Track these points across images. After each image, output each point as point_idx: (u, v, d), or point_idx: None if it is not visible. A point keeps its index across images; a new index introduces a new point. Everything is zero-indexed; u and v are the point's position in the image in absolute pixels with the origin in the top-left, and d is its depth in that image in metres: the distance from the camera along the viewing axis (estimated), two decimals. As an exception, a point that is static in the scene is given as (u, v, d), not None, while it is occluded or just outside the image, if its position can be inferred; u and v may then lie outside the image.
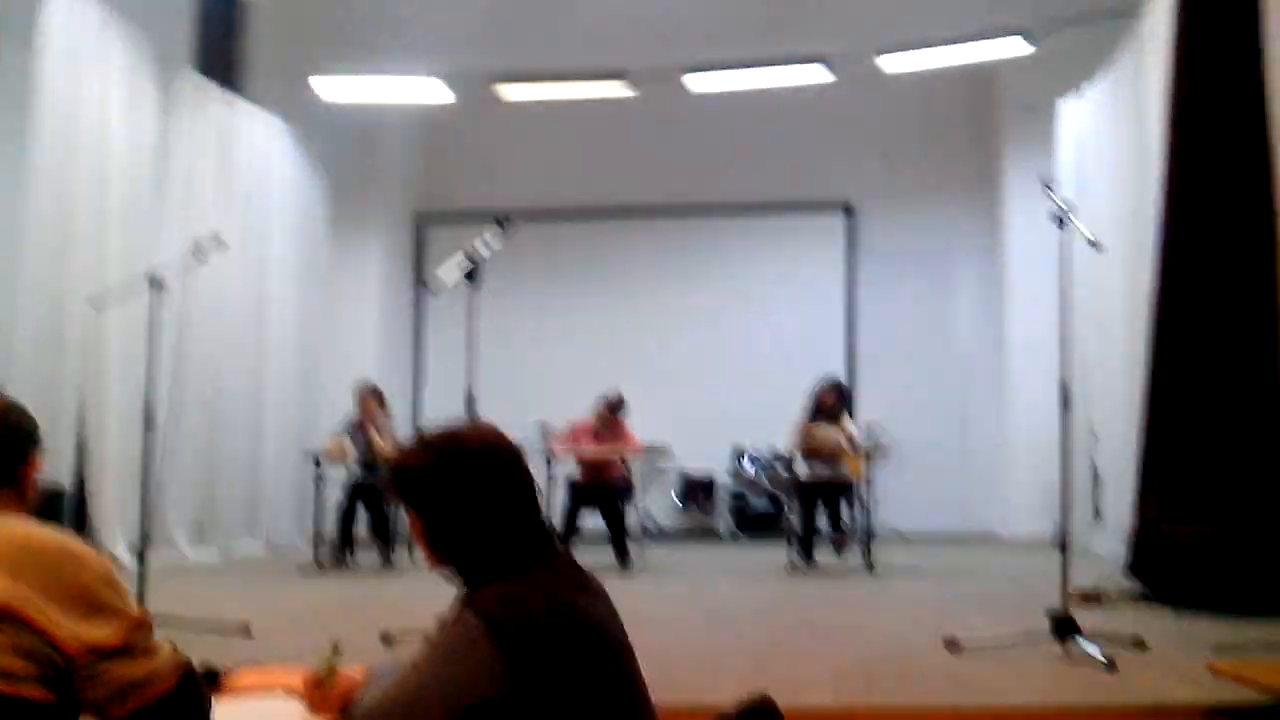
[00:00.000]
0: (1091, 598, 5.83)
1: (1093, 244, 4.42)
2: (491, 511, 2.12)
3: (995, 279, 12.70)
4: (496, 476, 2.14)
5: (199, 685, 2.11)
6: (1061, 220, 4.50)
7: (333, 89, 11.61)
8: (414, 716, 2.00)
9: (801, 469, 8.95)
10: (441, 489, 2.14)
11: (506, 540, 2.12)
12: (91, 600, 1.94)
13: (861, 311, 13.17)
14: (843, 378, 12.34)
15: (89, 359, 8.36)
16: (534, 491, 2.19)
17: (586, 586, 2.17)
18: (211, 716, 2.16)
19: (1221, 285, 5.83)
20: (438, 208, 13.61)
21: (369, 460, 9.11)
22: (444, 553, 2.18)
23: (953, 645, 4.29)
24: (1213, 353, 5.84)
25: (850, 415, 9.04)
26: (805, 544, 8.54)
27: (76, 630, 1.90)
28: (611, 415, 9.04)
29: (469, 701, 1.95)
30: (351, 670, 2.52)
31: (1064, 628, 4.17)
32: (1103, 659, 3.87)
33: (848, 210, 13.29)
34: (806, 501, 8.75)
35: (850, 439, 8.78)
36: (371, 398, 9.23)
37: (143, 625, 2.00)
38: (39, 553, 1.94)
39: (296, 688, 2.52)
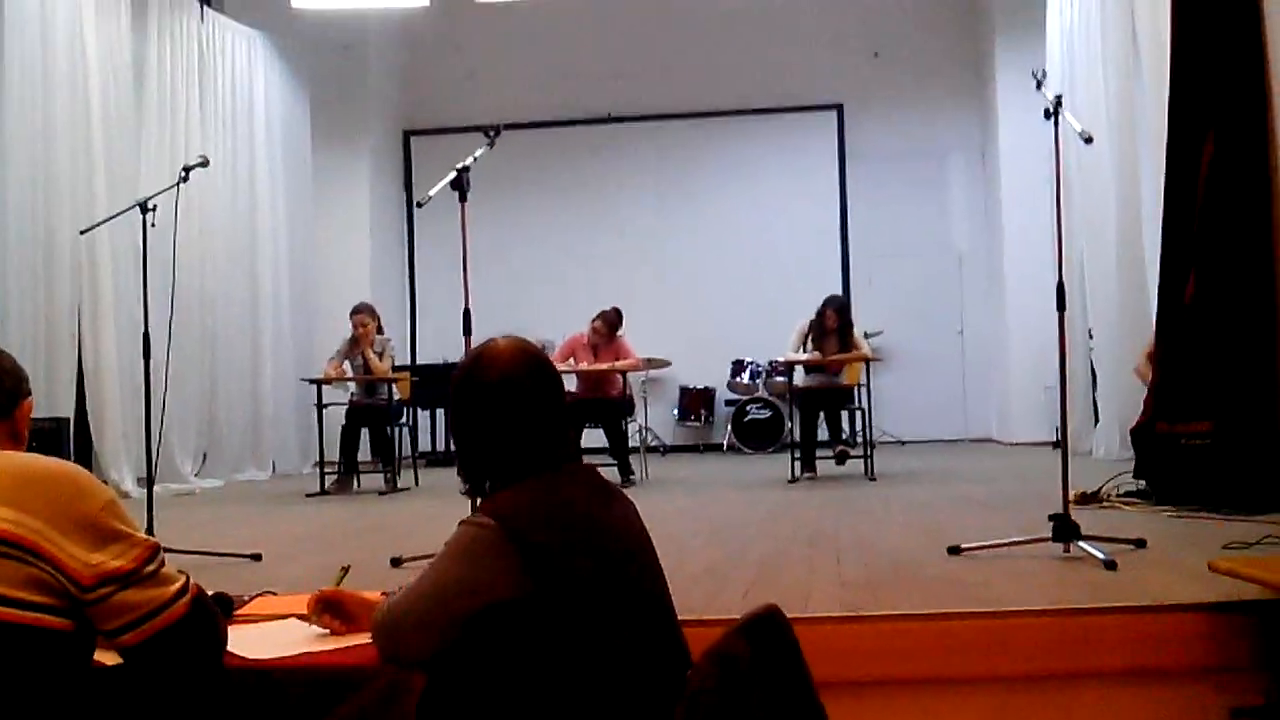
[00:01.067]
0: (1091, 499, 5.88)
1: (1085, 139, 4.37)
2: (511, 422, 2.16)
3: (989, 176, 12.66)
4: (519, 387, 2.18)
5: (213, 612, 2.13)
6: (1053, 114, 4.44)
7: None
8: (433, 614, 2.04)
9: (801, 377, 8.95)
10: (467, 398, 2.19)
11: (524, 448, 2.16)
12: (99, 528, 1.95)
13: (855, 216, 13.11)
14: (839, 285, 12.38)
15: (83, 288, 8.35)
16: (556, 405, 2.23)
17: (609, 494, 2.20)
18: (226, 643, 2.19)
19: (1222, 185, 5.80)
20: (423, 121, 13.48)
21: (368, 381, 9.11)
22: (471, 463, 2.22)
23: (955, 551, 4.33)
24: (1214, 253, 5.82)
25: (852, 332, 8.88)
26: (806, 453, 8.58)
27: (87, 558, 1.91)
28: (610, 332, 9.01)
29: (489, 600, 1.99)
30: (366, 593, 2.56)
31: (1065, 530, 4.20)
32: (1103, 559, 3.91)
33: (839, 111, 13.15)
34: (807, 410, 8.77)
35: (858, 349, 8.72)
36: (366, 316, 9.11)
37: (153, 552, 2.02)
38: (42, 483, 1.94)
39: (309, 612, 2.55)
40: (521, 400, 2.17)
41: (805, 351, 8.69)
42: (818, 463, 8.59)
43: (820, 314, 8.75)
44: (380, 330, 9.20)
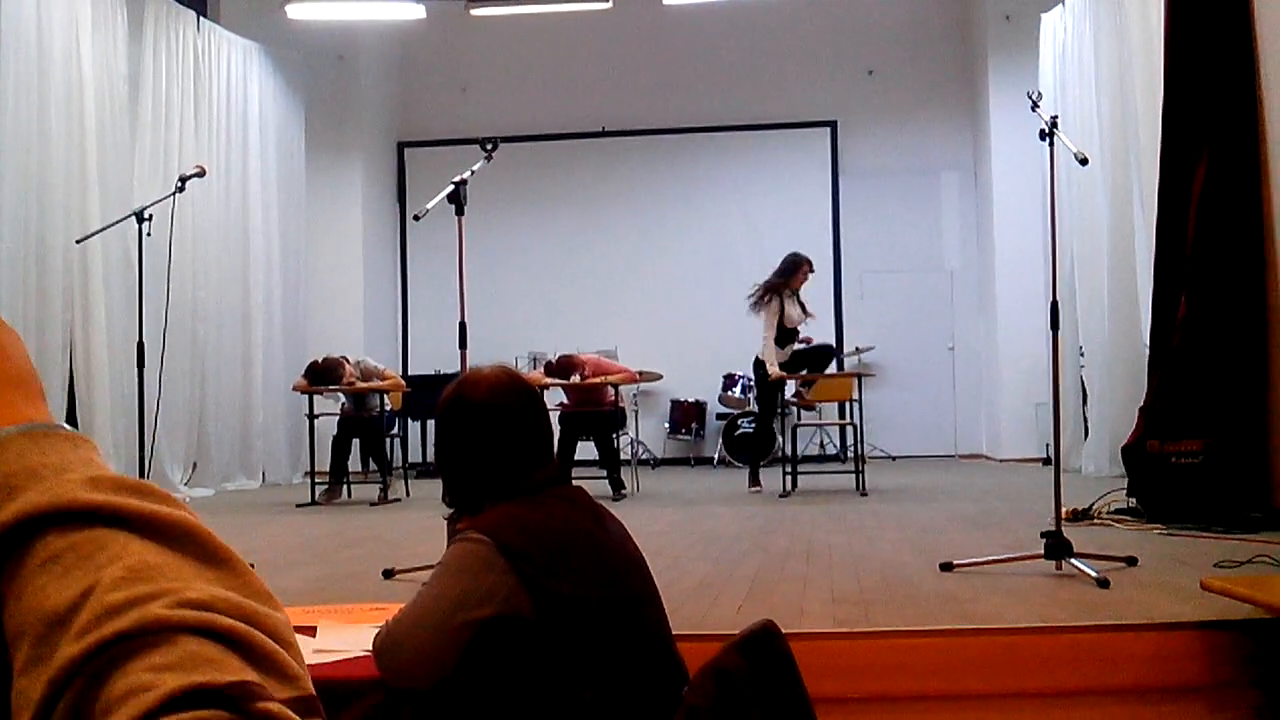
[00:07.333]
0: (1082, 516, 5.90)
1: (1080, 160, 4.40)
2: (498, 445, 2.19)
3: (981, 195, 12.70)
4: (508, 408, 2.22)
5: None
6: (1049, 135, 4.46)
7: (305, 8, 11.29)
8: (434, 633, 2.05)
9: (792, 392, 8.96)
10: (458, 418, 2.22)
11: (513, 468, 2.19)
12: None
13: (848, 232, 13.12)
14: (831, 300, 12.42)
15: (75, 297, 8.34)
16: (543, 427, 2.26)
17: (600, 513, 2.22)
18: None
19: (1214, 207, 5.84)
20: (417, 133, 13.47)
21: (359, 392, 9.06)
22: (459, 484, 2.25)
23: (947, 567, 4.34)
24: (1206, 274, 5.86)
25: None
26: (795, 466, 8.56)
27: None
28: (561, 376, 8.78)
29: (488, 614, 1.99)
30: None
31: (1057, 548, 4.21)
32: (1096, 577, 3.92)
33: (833, 128, 13.18)
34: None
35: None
36: (339, 371, 8.78)
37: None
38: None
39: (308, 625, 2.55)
40: (511, 420, 2.21)
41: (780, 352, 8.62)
42: (804, 478, 8.58)
43: (788, 274, 8.54)
44: (346, 360, 8.99)
